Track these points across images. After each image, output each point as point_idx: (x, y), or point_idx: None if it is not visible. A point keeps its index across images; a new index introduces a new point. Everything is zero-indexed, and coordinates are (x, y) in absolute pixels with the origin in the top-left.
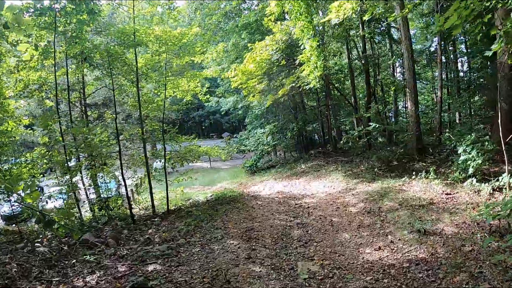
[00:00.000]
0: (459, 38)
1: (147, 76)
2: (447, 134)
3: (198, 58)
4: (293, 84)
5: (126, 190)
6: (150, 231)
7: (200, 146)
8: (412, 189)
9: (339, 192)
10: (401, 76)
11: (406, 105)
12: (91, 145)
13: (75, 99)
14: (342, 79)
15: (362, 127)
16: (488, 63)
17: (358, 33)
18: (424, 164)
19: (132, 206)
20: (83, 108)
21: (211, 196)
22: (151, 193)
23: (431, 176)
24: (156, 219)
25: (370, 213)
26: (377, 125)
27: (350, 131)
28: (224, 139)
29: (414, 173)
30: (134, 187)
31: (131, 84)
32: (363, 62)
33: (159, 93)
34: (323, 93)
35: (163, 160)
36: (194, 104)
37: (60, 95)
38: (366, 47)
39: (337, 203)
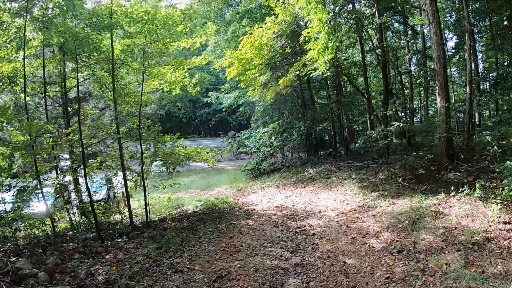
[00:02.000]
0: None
1: (125, 65)
2: (487, 136)
3: (185, 43)
4: (298, 72)
5: (91, 198)
6: (105, 258)
7: (186, 148)
8: (454, 212)
9: (355, 210)
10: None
11: (424, 103)
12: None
13: (54, 93)
14: (354, 76)
15: (382, 127)
16: None
17: (373, 20)
18: (458, 174)
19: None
20: (64, 103)
21: (201, 205)
22: (128, 202)
23: (477, 193)
24: (123, 238)
25: (401, 252)
26: (401, 125)
27: (367, 132)
28: (224, 139)
29: (449, 186)
30: (121, 193)
31: (109, 75)
32: (379, 54)
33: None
34: (334, 89)
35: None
36: (201, 101)
37: (38, 89)
38: (383, 36)
39: (352, 230)
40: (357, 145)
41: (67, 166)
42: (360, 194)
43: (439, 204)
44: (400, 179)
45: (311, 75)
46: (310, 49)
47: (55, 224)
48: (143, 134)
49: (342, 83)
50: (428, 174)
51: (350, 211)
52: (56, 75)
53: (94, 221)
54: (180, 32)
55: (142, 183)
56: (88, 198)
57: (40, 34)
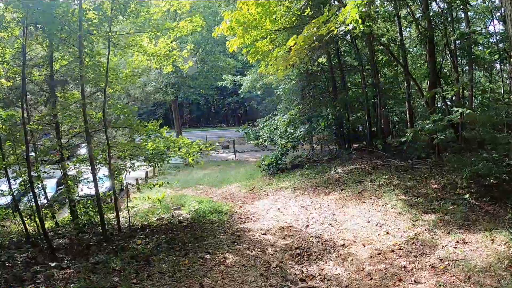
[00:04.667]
0: None
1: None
2: None
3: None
4: (315, 29)
5: (36, 199)
6: None
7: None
8: None
9: (400, 248)
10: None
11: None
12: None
13: (38, 77)
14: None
15: (440, 114)
16: None
17: None
18: None
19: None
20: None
21: (194, 210)
22: (99, 206)
23: None
24: (65, 259)
25: None
26: (466, 111)
27: (417, 123)
28: (240, 128)
29: None
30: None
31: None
32: (423, 27)
33: (125, 60)
34: (369, 69)
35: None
36: (229, 89)
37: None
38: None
39: None
40: (395, 139)
41: None
42: (406, 215)
43: None
44: (467, 195)
45: (335, 32)
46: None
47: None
48: (112, 121)
49: (377, 65)
50: (504, 188)
51: (392, 250)
52: (40, 57)
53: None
54: None
55: (111, 181)
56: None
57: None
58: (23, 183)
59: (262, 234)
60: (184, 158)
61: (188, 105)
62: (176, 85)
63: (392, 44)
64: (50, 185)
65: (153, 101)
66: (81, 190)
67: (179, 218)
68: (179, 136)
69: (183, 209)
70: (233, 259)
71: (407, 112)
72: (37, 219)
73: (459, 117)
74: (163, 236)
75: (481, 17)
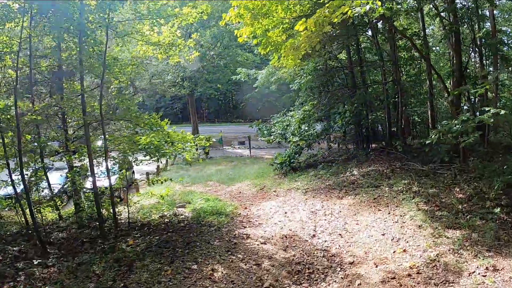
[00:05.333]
0: None
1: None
2: None
3: None
4: (327, 12)
5: (27, 191)
6: None
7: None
8: None
9: (418, 272)
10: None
11: None
12: None
13: (44, 68)
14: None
15: (468, 114)
16: None
17: None
18: None
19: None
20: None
21: (197, 209)
22: (97, 201)
23: None
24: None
25: None
26: (501, 112)
27: (443, 122)
28: (254, 124)
29: None
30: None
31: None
32: (448, 21)
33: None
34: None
35: None
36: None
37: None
38: None
39: None
40: (416, 140)
41: None
42: (427, 230)
43: None
44: (497, 208)
45: (350, 13)
46: None
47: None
48: (110, 112)
49: (399, 62)
50: None
51: (409, 273)
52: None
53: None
54: None
55: (109, 180)
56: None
57: None
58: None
59: (261, 243)
60: (181, 154)
61: (206, 100)
62: (192, 79)
63: (414, 37)
64: (59, 177)
65: (170, 95)
66: (90, 182)
67: (180, 216)
68: (182, 131)
69: (188, 207)
70: (222, 272)
71: (429, 112)
72: (44, 210)
73: (491, 118)
74: (157, 237)
75: (507, 16)
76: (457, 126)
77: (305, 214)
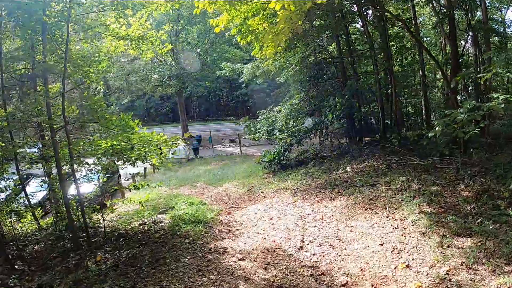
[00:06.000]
0: None
1: None
2: None
3: None
4: None
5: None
6: None
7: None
8: None
9: None
10: None
11: None
12: None
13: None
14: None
15: (473, 101)
16: None
17: None
18: None
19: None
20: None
21: (178, 216)
22: (68, 211)
23: None
24: None
25: None
26: None
27: (445, 112)
28: (241, 121)
29: None
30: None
31: None
32: (442, 6)
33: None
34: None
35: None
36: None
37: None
38: None
39: None
40: (410, 132)
41: None
42: (433, 237)
43: None
44: (510, 209)
45: None
46: None
47: None
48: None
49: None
50: None
51: None
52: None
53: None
54: None
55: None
56: None
57: None
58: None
59: (239, 259)
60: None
61: (197, 98)
62: (179, 77)
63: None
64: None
65: (158, 94)
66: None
67: (160, 224)
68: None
69: (170, 213)
70: None
71: (423, 103)
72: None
73: (502, 104)
74: (128, 251)
75: (497, 6)
76: (463, 115)
77: (293, 219)
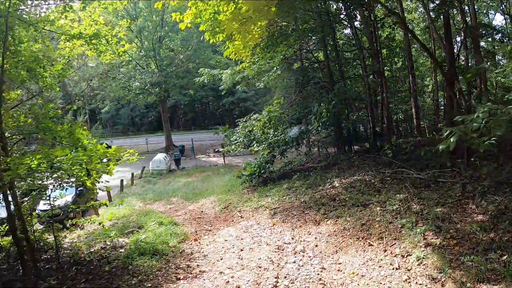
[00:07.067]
0: None
1: None
2: None
3: None
4: None
5: None
6: None
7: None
8: None
9: None
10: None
11: None
12: None
13: None
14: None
15: (488, 103)
16: None
17: None
18: None
19: None
20: None
21: (139, 242)
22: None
23: None
24: None
25: None
26: None
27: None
28: (219, 130)
29: None
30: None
31: None
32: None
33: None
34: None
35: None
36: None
37: None
38: None
39: None
40: (401, 139)
41: None
42: (447, 285)
43: None
44: None
45: None
46: None
47: None
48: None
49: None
50: None
51: None
52: None
53: None
54: None
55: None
56: None
57: None
58: None
59: None
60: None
61: (182, 107)
62: (162, 84)
63: (396, 28)
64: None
65: (142, 103)
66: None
67: (120, 250)
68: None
69: (135, 235)
70: None
71: (413, 109)
72: None
73: None
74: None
75: (484, 11)
76: (479, 122)
77: (268, 252)
